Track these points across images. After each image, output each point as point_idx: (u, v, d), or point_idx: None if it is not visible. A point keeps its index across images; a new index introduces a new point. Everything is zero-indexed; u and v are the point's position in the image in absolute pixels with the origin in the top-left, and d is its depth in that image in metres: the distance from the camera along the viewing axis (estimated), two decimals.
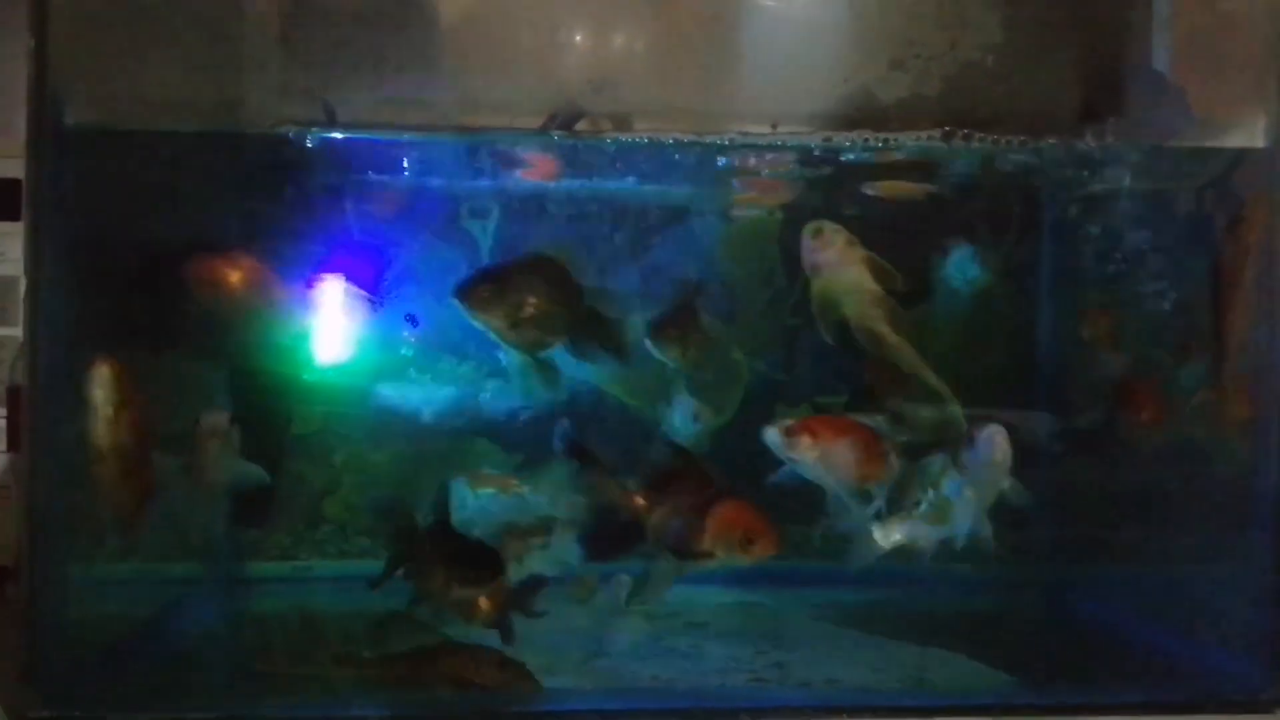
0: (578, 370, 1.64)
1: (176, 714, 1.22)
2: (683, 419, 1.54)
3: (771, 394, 1.71)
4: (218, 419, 1.37)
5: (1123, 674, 1.39)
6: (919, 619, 1.54)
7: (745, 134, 1.46)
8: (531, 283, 1.34)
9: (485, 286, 1.32)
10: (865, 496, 1.33)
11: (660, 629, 1.46)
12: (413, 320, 1.63)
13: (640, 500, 1.31)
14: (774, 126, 1.46)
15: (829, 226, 1.38)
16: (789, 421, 1.30)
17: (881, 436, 1.34)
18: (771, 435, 1.29)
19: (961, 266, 1.56)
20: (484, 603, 1.29)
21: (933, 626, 1.51)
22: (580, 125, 1.46)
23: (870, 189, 1.56)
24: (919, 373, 1.37)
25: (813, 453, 1.29)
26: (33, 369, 1.19)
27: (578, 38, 1.47)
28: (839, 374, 1.71)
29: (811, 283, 1.39)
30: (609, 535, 1.32)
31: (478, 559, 1.31)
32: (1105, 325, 1.62)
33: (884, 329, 1.36)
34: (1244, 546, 1.35)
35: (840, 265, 1.37)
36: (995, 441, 1.28)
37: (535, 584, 1.34)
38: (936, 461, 1.33)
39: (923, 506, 1.33)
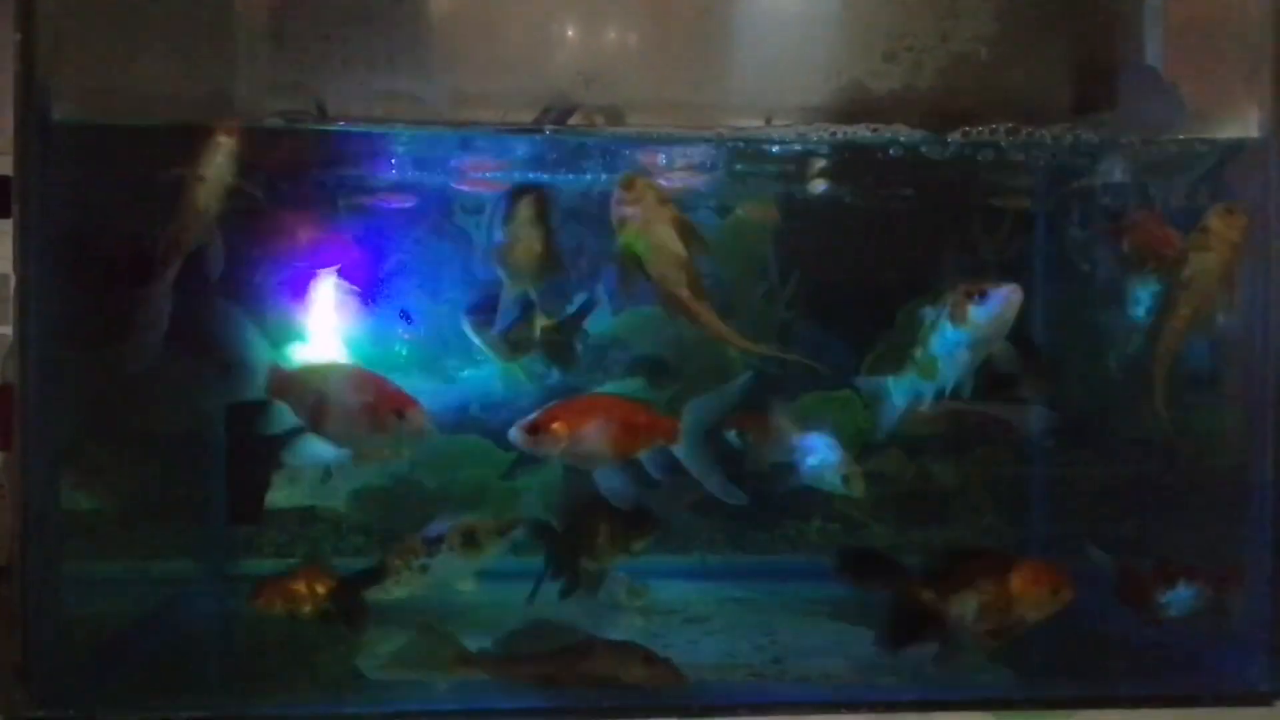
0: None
1: (169, 713, 1.21)
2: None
3: (767, 389, 1.71)
4: None
5: (1122, 667, 1.39)
6: None
7: (736, 127, 1.46)
8: None
9: None
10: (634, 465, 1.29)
11: (658, 626, 1.46)
12: (406, 316, 1.62)
13: (931, 593, 1.29)
14: (768, 120, 1.45)
15: (641, 180, 1.32)
16: (530, 417, 1.26)
17: (639, 402, 1.31)
18: (515, 435, 1.24)
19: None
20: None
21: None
22: (573, 119, 1.46)
23: None
24: (725, 340, 1.34)
25: (560, 444, 1.25)
26: (23, 367, 1.18)
27: (570, 32, 1.46)
28: (834, 366, 1.72)
29: (618, 235, 1.33)
30: (906, 628, 1.31)
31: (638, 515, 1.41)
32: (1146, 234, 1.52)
33: (684, 293, 1.30)
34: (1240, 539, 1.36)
35: (648, 222, 1.31)
36: (1010, 299, 1.23)
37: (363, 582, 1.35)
38: (928, 315, 1.31)
39: (910, 363, 1.32)
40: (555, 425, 1.24)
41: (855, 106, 1.41)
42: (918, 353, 1.32)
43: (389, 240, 1.64)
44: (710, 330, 1.32)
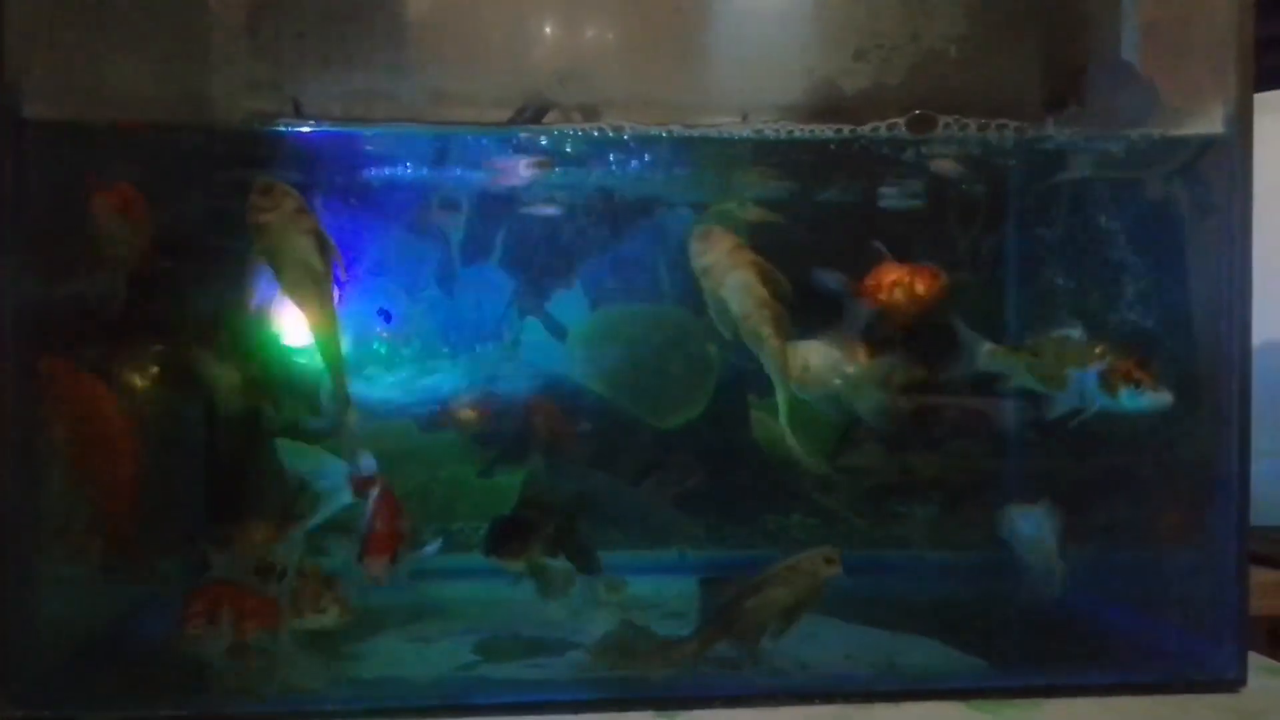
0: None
1: (147, 713, 1.22)
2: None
3: (744, 385, 1.72)
4: None
5: (1091, 656, 1.41)
6: (890, 604, 1.56)
7: (714, 125, 1.46)
8: None
9: None
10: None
11: (636, 620, 1.47)
12: (385, 315, 1.63)
13: None
14: (744, 117, 1.46)
15: (280, 186, 1.28)
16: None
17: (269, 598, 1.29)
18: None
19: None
20: None
21: (903, 612, 1.53)
22: (549, 117, 1.46)
23: None
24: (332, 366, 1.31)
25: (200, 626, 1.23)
26: None
27: (546, 30, 1.47)
28: None
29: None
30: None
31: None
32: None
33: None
34: (1207, 528, 1.38)
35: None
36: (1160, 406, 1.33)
37: None
38: (1074, 374, 1.36)
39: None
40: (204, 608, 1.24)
41: (828, 105, 1.42)
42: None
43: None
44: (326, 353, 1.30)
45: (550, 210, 1.68)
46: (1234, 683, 1.32)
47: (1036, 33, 1.57)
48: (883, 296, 1.46)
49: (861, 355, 1.41)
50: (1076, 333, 1.39)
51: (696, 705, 1.25)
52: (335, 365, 1.29)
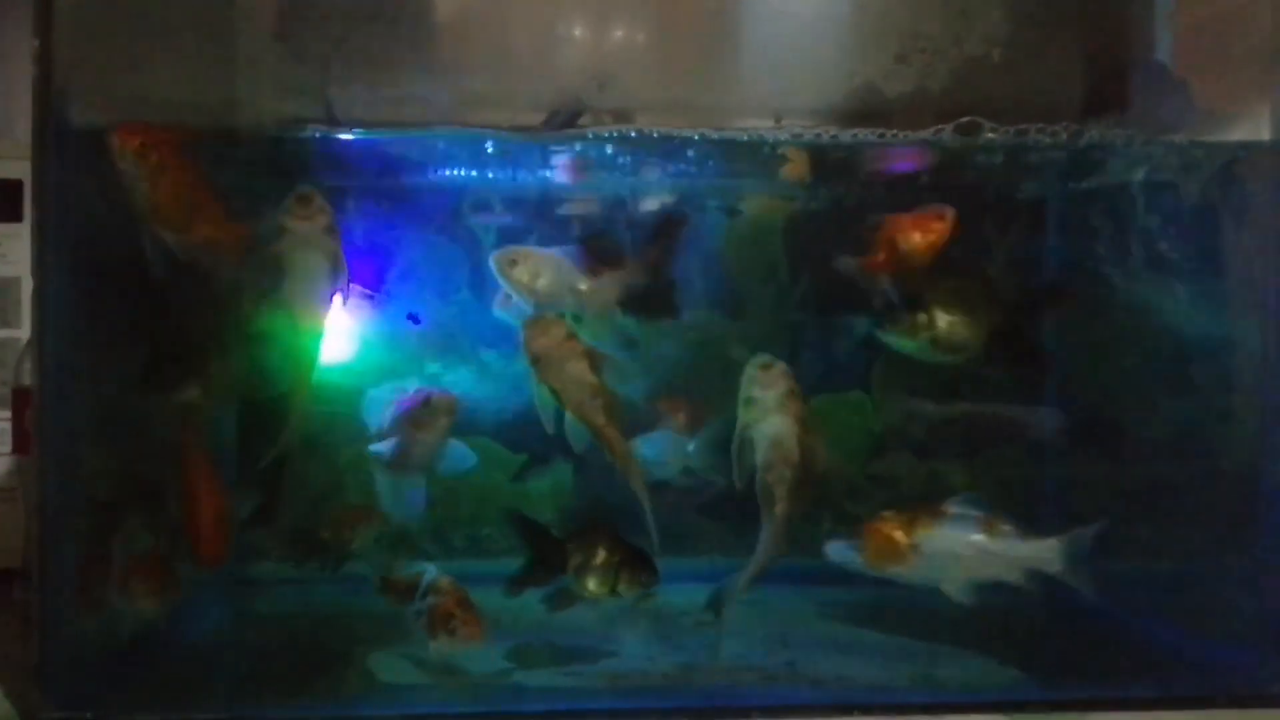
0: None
1: (184, 715, 1.22)
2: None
3: None
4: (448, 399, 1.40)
5: (1133, 669, 1.39)
6: (928, 615, 1.54)
7: (749, 129, 1.45)
8: None
9: None
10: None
11: (670, 628, 1.46)
12: (415, 319, 1.63)
13: None
14: (777, 120, 1.45)
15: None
16: None
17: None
18: None
19: None
20: None
21: (942, 623, 1.51)
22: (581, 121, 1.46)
23: None
24: None
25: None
26: (40, 370, 1.19)
27: (578, 33, 1.46)
28: (844, 369, 1.72)
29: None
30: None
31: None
32: None
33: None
34: (1253, 539, 1.36)
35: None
36: None
37: None
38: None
39: None
40: None
41: (867, 108, 1.41)
42: None
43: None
44: None
45: (582, 214, 1.68)
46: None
47: (1078, 36, 1.55)
48: (893, 258, 1.41)
49: (592, 271, 1.40)
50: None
51: (733, 715, 1.24)
52: (304, 383, 1.30)
